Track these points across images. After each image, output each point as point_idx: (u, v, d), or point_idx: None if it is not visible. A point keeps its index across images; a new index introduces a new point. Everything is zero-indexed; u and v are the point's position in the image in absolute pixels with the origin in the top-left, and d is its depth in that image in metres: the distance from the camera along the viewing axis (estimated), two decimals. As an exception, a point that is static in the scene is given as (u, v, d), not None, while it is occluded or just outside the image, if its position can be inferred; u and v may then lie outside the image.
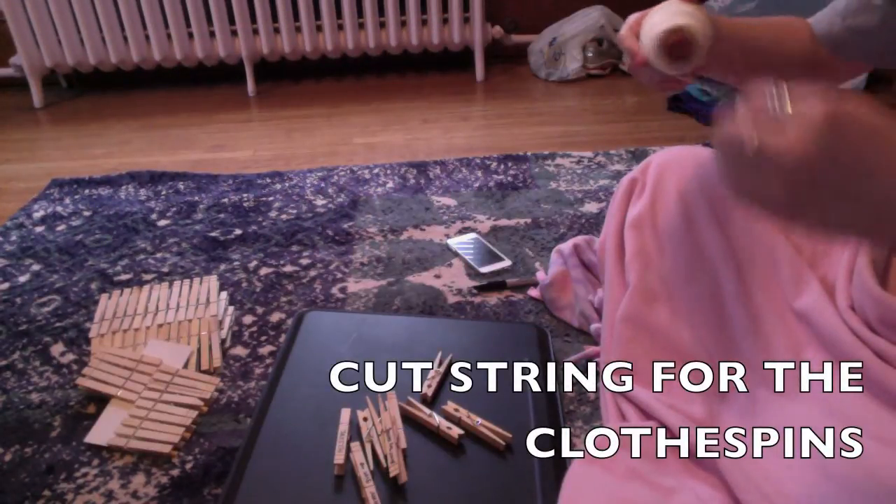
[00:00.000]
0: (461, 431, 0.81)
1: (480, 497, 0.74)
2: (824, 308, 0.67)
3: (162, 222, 1.44)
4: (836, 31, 0.75)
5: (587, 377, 0.94)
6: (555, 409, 0.86)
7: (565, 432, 0.83)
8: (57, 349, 1.05)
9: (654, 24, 0.67)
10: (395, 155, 1.77)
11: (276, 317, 1.11)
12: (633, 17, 0.72)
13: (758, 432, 0.67)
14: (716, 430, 0.71)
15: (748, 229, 0.75)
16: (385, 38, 2.26)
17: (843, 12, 0.75)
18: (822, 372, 0.66)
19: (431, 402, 0.88)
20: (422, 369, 0.92)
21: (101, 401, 0.93)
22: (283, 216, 1.44)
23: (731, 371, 0.73)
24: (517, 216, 1.41)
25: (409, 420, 0.84)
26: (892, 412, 0.60)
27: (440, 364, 0.93)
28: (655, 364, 0.79)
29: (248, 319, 1.11)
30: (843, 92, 0.41)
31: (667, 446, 0.71)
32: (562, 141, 1.83)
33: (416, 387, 0.89)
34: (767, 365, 0.70)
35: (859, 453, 0.59)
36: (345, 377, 0.91)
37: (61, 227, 1.43)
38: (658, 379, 0.79)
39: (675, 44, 0.65)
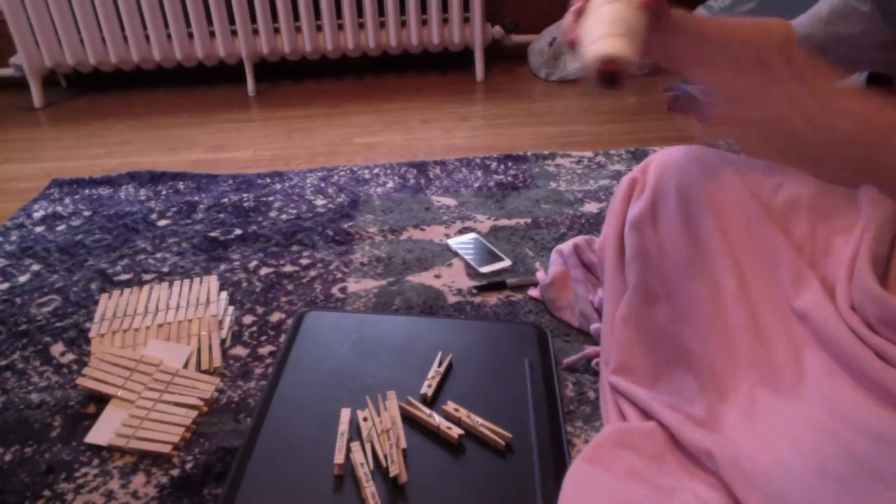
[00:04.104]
0: (461, 431, 0.81)
1: (480, 497, 0.74)
2: (824, 308, 0.67)
3: (162, 222, 1.44)
4: (818, 36, 0.75)
5: (587, 377, 0.94)
6: (555, 409, 0.86)
7: (565, 432, 0.83)
8: (57, 349, 1.05)
9: (591, 34, 0.63)
10: (395, 155, 1.77)
11: (276, 317, 1.11)
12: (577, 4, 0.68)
13: (757, 432, 0.67)
14: (716, 430, 0.71)
15: (748, 229, 0.75)
16: (385, 38, 2.26)
17: (827, 17, 0.75)
18: (823, 372, 0.66)
19: (431, 402, 0.88)
20: (422, 369, 0.92)
21: (101, 401, 0.93)
22: (283, 216, 1.44)
23: (732, 371, 0.73)
24: (517, 216, 1.41)
25: (409, 420, 0.84)
26: (893, 412, 0.60)
27: (440, 364, 0.93)
28: (655, 364, 0.79)
29: (248, 319, 1.11)
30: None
31: (666, 446, 0.71)
32: (562, 141, 1.83)
33: (416, 387, 0.89)
34: (768, 365, 0.70)
35: (860, 453, 0.59)
36: (345, 377, 0.91)
37: (61, 227, 1.43)
38: (658, 379, 0.79)
39: (607, 70, 0.62)
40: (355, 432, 0.82)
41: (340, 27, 2.24)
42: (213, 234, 1.38)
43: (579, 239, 1.11)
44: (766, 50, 0.76)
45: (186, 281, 1.19)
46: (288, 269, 1.25)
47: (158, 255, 1.31)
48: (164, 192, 1.58)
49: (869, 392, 0.62)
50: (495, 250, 1.27)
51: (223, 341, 1.05)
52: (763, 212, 0.75)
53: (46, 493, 0.80)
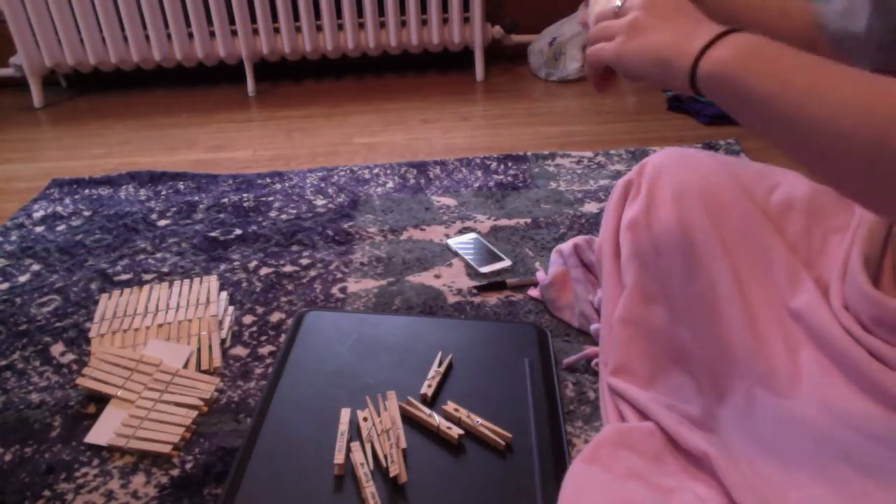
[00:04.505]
0: (461, 431, 0.81)
1: (480, 497, 0.74)
2: (819, 308, 0.67)
3: (162, 222, 1.44)
4: (832, 29, 0.74)
5: (587, 377, 0.94)
6: (555, 409, 0.86)
7: (565, 432, 0.83)
8: (57, 349, 1.05)
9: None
10: (395, 155, 1.77)
11: (276, 317, 1.11)
12: None
13: (755, 432, 0.68)
14: (713, 431, 0.71)
15: (744, 230, 0.75)
16: (385, 38, 2.26)
17: (834, 13, 0.73)
18: (818, 371, 0.66)
19: (431, 402, 0.88)
20: (422, 369, 0.92)
21: (101, 401, 0.93)
22: (283, 216, 1.45)
23: (729, 371, 0.73)
24: (517, 216, 1.41)
25: (409, 420, 0.84)
26: (888, 411, 0.60)
27: (440, 364, 0.93)
28: (653, 364, 0.80)
29: (248, 319, 1.11)
30: None
31: (666, 446, 0.71)
32: (562, 141, 1.83)
33: (416, 387, 0.89)
34: (764, 364, 0.70)
35: (856, 454, 0.59)
36: (345, 377, 0.91)
37: (61, 227, 1.43)
38: (656, 379, 0.79)
39: None
40: (355, 432, 0.82)
41: (340, 27, 2.24)
42: (213, 234, 1.38)
43: (579, 239, 1.11)
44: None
45: (186, 281, 1.19)
46: (288, 269, 1.25)
47: (158, 255, 1.31)
48: (164, 192, 1.58)
49: (864, 392, 0.62)
50: (495, 250, 1.27)
51: (223, 341, 1.05)
52: (758, 212, 0.75)
53: (46, 493, 0.80)
